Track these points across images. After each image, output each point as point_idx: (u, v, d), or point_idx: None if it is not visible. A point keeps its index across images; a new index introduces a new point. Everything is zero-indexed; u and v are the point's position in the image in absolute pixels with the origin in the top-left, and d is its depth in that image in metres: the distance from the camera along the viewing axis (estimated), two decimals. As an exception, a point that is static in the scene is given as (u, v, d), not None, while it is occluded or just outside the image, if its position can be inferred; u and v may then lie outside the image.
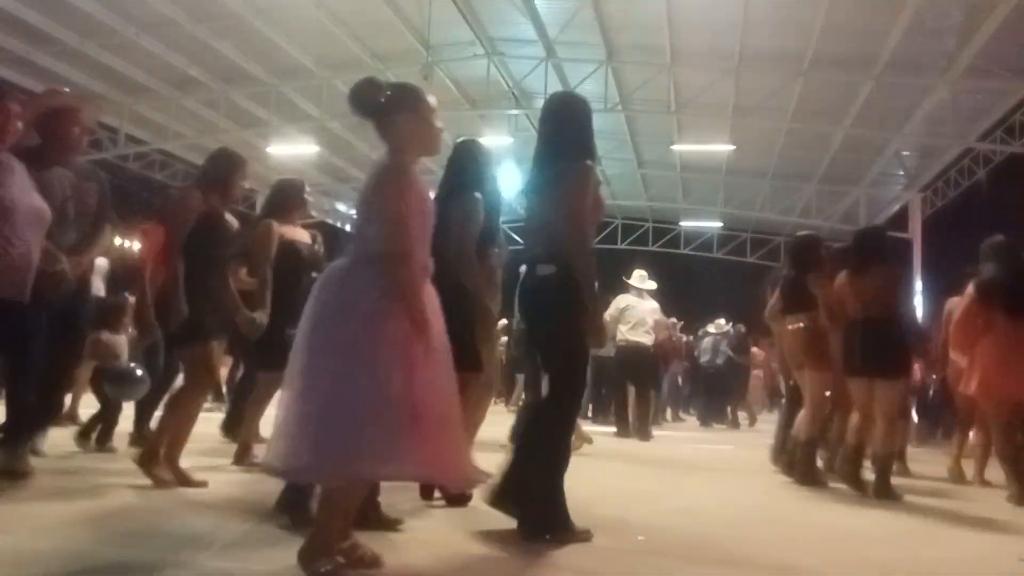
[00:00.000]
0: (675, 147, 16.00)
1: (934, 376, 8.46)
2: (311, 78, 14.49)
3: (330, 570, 2.13)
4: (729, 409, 12.80)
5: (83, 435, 4.70)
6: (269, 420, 5.01)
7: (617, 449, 7.07)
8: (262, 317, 4.15)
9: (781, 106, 13.66)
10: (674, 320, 12.00)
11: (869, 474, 5.15)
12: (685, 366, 13.22)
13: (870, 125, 13.87)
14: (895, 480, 4.81)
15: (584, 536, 2.85)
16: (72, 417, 5.59)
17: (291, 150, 16.36)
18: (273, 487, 3.48)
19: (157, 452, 3.56)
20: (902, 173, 17.06)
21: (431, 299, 2.33)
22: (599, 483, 4.41)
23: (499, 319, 5.33)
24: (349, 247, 2.36)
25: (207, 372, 3.71)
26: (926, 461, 6.94)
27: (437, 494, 3.43)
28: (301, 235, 4.59)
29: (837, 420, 5.31)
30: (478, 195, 3.43)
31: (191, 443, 3.70)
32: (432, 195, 2.83)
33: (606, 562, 2.69)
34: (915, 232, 16.97)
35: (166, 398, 5.32)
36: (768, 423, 13.32)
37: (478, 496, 3.04)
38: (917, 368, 6.97)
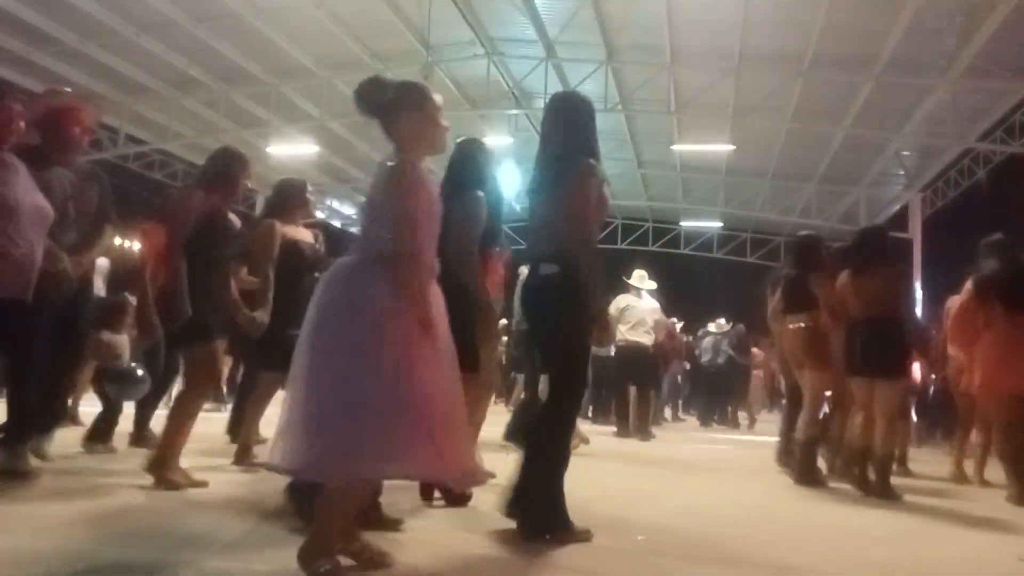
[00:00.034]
0: (675, 147, 16.01)
1: (933, 376, 8.47)
2: (311, 78, 14.50)
3: (329, 570, 2.13)
4: (729, 409, 12.80)
5: (91, 439, 4.67)
6: (270, 420, 5.02)
7: (617, 449, 7.07)
8: (263, 316, 4.16)
9: (781, 106, 13.67)
10: (674, 320, 12.00)
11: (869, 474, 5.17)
12: (685, 366, 13.22)
13: (870, 125, 13.87)
14: (895, 480, 4.81)
15: (584, 536, 2.85)
16: (72, 417, 5.59)
17: (291, 150, 16.37)
18: (273, 487, 3.48)
19: (165, 456, 3.55)
20: (902, 173, 17.06)
21: (436, 299, 2.33)
22: (599, 483, 4.41)
23: (499, 319, 5.33)
24: (355, 246, 2.36)
25: (209, 372, 3.70)
26: (926, 461, 6.94)
27: (437, 494, 3.43)
28: (304, 235, 4.59)
29: (837, 420, 5.32)
30: (480, 194, 3.43)
31: (191, 443, 3.70)
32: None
33: (606, 562, 2.69)
34: (915, 232, 16.96)
35: (167, 400, 5.35)
36: (768, 423, 13.34)
37: (491, 505, 3.03)
38: (918, 368, 6.97)
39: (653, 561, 2.77)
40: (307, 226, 4.73)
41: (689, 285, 19.22)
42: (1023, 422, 4.71)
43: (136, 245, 5.33)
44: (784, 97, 13.37)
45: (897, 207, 18.26)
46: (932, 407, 9.03)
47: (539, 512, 2.83)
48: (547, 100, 3.27)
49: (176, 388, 4.92)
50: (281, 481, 2.76)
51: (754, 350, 13.08)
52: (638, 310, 8.37)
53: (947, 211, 16.80)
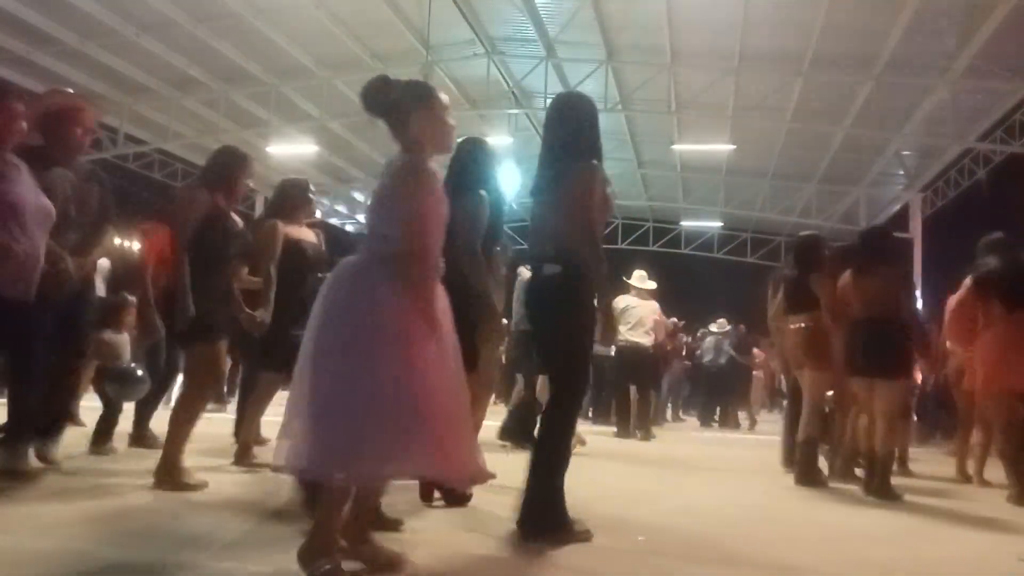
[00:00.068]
0: (675, 147, 16.01)
1: (932, 376, 8.47)
2: (311, 78, 14.50)
3: (329, 570, 2.12)
4: (729, 409, 12.80)
5: (96, 442, 4.66)
6: (271, 420, 5.01)
7: (617, 449, 7.07)
8: (264, 316, 4.16)
9: (781, 106, 13.68)
10: (675, 320, 12.00)
11: (861, 472, 5.17)
12: (686, 365, 13.22)
13: (870, 125, 13.87)
14: (895, 480, 4.81)
15: (584, 536, 2.85)
16: (72, 417, 5.58)
17: (291, 150, 16.38)
18: (273, 487, 3.49)
19: (173, 461, 3.53)
20: (902, 173, 17.07)
21: (441, 299, 2.33)
22: (599, 483, 4.41)
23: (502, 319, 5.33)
24: (362, 244, 2.36)
25: (211, 372, 3.68)
26: (926, 461, 6.94)
27: (437, 495, 3.43)
28: (307, 235, 4.58)
29: (837, 420, 5.32)
30: (483, 193, 3.43)
31: (191, 443, 3.69)
32: None
33: (606, 562, 2.69)
34: (915, 232, 16.98)
35: (167, 400, 5.35)
36: (768, 423, 13.34)
37: (491, 505, 3.03)
38: (918, 368, 6.97)
39: (653, 561, 2.77)
40: (308, 225, 4.73)
41: (689, 285, 19.22)
42: (1023, 421, 4.72)
43: (136, 245, 5.33)
44: (784, 97, 13.38)
45: (897, 207, 18.26)
46: (931, 407, 9.03)
47: (539, 512, 2.83)
48: (548, 100, 3.28)
49: (177, 388, 4.93)
50: (282, 481, 2.76)
51: (755, 350, 13.08)
52: (638, 310, 8.37)
53: (947, 211, 16.81)
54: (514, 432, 6.38)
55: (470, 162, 3.56)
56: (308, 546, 2.15)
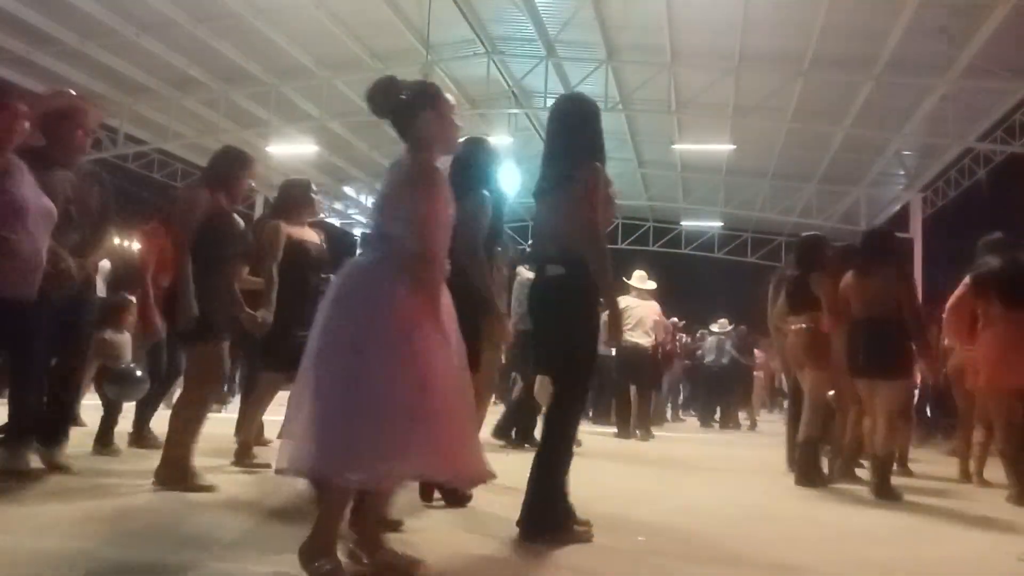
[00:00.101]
0: (675, 147, 16.01)
1: (932, 377, 8.46)
2: (311, 78, 14.50)
3: (330, 570, 2.12)
4: (730, 410, 12.79)
5: (106, 443, 4.66)
6: (271, 421, 5.01)
7: (617, 449, 7.07)
8: (266, 316, 4.15)
9: (781, 106, 13.67)
10: (675, 320, 11.99)
11: (861, 473, 5.17)
12: (686, 364, 13.22)
13: (870, 125, 13.87)
14: (895, 480, 4.81)
15: (584, 535, 2.85)
16: (75, 419, 5.58)
17: (291, 150, 16.39)
18: (273, 487, 3.49)
19: (185, 465, 3.53)
20: (902, 173, 17.07)
21: (446, 299, 2.33)
22: (599, 483, 4.41)
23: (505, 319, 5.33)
24: (370, 245, 2.35)
25: (213, 373, 3.67)
26: (926, 461, 6.94)
27: (437, 495, 3.43)
28: (310, 235, 4.58)
29: (838, 420, 5.32)
30: (486, 193, 3.43)
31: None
32: None
33: (606, 562, 2.69)
34: (915, 232, 16.97)
35: (168, 401, 5.34)
36: (768, 423, 13.35)
37: (492, 505, 3.03)
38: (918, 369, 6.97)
39: (653, 561, 2.77)
40: (310, 225, 4.73)
41: (690, 285, 19.22)
42: (1023, 420, 4.71)
43: (136, 245, 5.33)
44: (784, 97, 13.37)
45: (897, 207, 18.26)
46: (931, 406, 9.03)
47: (539, 512, 2.83)
48: (548, 100, 3.29)
49: (178, 389, 4.92)
50: (282, 481, 2.76)
51: (755, 351, 13.07)
52: (638, 311, 8.37)
53: (947, 211, 16.81)
54: (507, 431, 6.39)
55: (471, 162, 3.56)
56: (309, 545, 2.15)
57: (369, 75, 14.04)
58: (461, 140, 3.68)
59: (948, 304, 5.16)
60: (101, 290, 5.39)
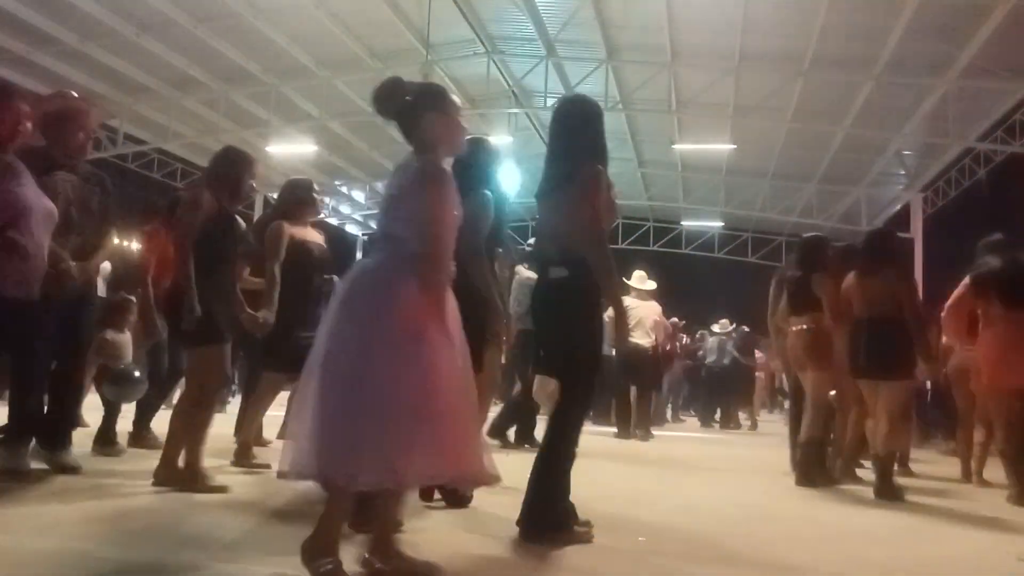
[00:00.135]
0: (675, 146, 16.02)
1: (932, 378, 8.46)
2: (311, 78, 14.50)
3: (331, 570, 2.12)
4: (731, 410, 12.79)
5: (108, 443, 4.66)
6: (273, 421, 5.01)
7: (617, 449, 7.07)
8: (267, 316, 4.14)
9: (781, 106, 13.67)
10: (675, 320, 11.99)
11: (862, 473, 5.17)
12: (687, 364, 13.22)
13: (870, 125, 13.87)
14: (896, 480, 4.81)
15: (585, 536, 2.85)
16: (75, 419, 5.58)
17: (291, 150, 16.39)
18: (274, 488, 3.49)
19: (196, 466, 3.52)
20: (903, 173, 17.07)
21: (451, 300, 2.34)
22: (599, 483, 4.41)
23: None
24: (378, 246, 2.35)
25: (215, 375, 3.65)
26: (926, 461, 6.95)
27: (437, 495, 3.43)
28: (312, 235, 4.58)
29: (838, 420, 5.32)
30: (488, 193, 3.43)
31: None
32: None
33: (606, 562, 2.69)
34: (915, 232, 16.96)
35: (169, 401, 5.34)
36: (768, 423, 13.35)
37: (492, 506, 3.03)
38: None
39: (653, 561, 2.77)
40: (312, 225, 4.73)
41: (690, 285, 19.22)
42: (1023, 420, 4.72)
43: (136, 245, 5.33)
44: (784, 97, 13.38)
45: (898, 207, 18.26)
46: (931, 406, 9.02)
47: (540, 512, 2.83)
48: (548, 100, 3.29)
49: (179, 390, 4.92)
50: (281, 482, 2.75)
51: (756, 352, 13.07)
52: (638, 311, 8.36)
53: (948, 211, 16.81)
54: (502, 431, 6.39)
55: (472, 162, 3.55)
56: (311, 544, 2.14)
57: (369, 75, 14.14)
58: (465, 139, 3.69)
59: (947, 304, 5.17)
60: (101, 290, 5.40)
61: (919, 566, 3.00)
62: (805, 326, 5.11)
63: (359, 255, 22.94)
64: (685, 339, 13.34)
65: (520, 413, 6.61)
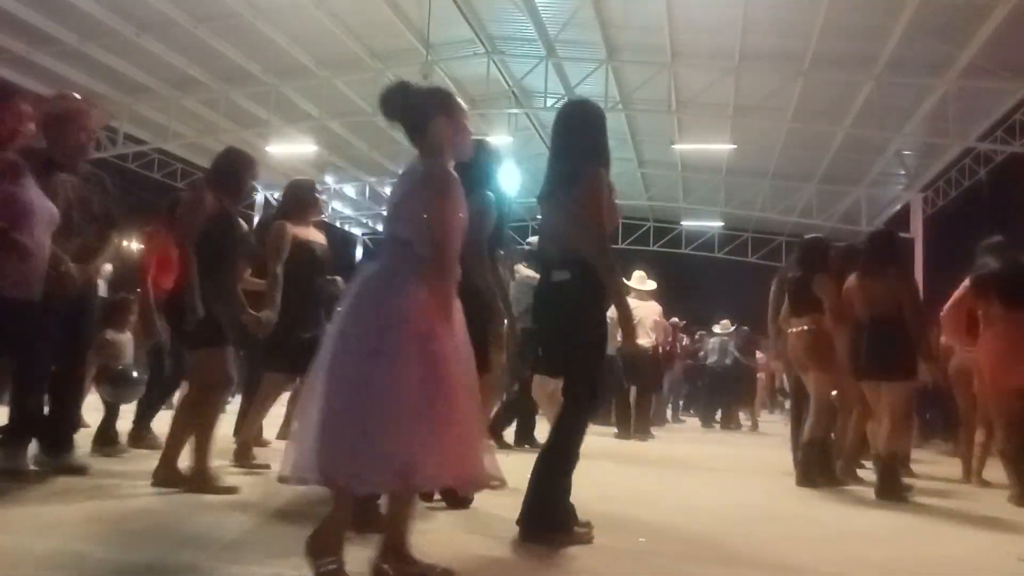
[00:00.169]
0: (675, 146, 16.01)
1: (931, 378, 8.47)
2: (311, 78, 14.49)
3: (333, 570, 2.11)
4: (732, 410, 12.79)
5: (108, 443, 4.65)
6: (273, 421, 5.01)
7: (617, 449, 7.07)
8: (270, 316, 4.14)
9: (781, 106, 13.66)
10: (676, 320, 11.99)
11: (862, 473, 5.16)
12: (687, 364, 13.22)
13: (870, 125, 13.86)
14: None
15: (585, 536, 2.85)
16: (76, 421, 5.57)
17: (291, 150, 16.38)
18: (274, 488, 3.49)
19: (204, 468, 3.52)
20: (903, 173, 17.06)
21: (456, 304, 2.34)
22: (599, 483, 4.41)
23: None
24: (385, 250, 2.34)
25: (217, 377, 3.63)
26: (927, 461, 6.95)
27: (437, 496, 3.43)
28: (315, 235, 4.58)
29: (839, 420, 5.32)
30: (490, 194, 3.43)
31: (190, 442, 3.68)
32: None
33: (606, 562, 2.69)
34: (916, 232, 16.95)
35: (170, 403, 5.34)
36: (768, 423, 13.35)
37: (492, 507, 3.03)
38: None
39: (653, 561, 2.77)
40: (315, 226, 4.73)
41: (690, 285, 19.21)
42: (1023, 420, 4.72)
43: (135, 245, 5.33)
44: (784, 97, 13.37)
45: (898, 207, 18.25)
46: (931, 406, 9.02)
47: (540, 512, 2.83)
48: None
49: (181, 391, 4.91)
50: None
51: (757, 352, 13.07)
52: (638, 312, 8.35)
53: (948, 211, 16.80)
54: (498, 431, 6.39)
55: (473, 163, 3.55)
56: (314, 542, 2.13)
57: (369, 75, 14.15)
58: None
59: (947, 305, 5.18)
60: (102, 290, 5.41)
61: (919, 566, 3.01)
62: (806, 327, 5.11)
63: (359, 255, 22.96)
64: (685, 340, 13.34)
65: (517, 413, 6.61)
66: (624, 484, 4.87)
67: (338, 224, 22.17)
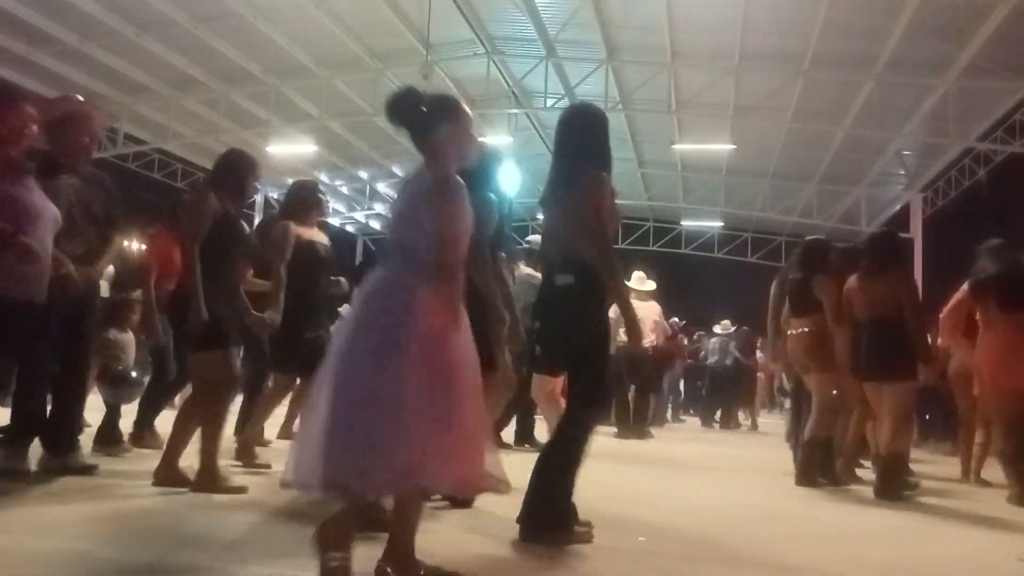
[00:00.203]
0: (675, 146, 16.01)
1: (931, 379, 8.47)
2: (311, 78, 14.49)
3: (336, 567, 2.11)
4: (732, 410, 12.79)
5: (111, 443, 4.65)
6: (273, 421, 5.01)
7: (617, 449, 7.07)
8: (274, 316, 4.14)
9: (781, 106, 13.66)
10: (676, 320, 11.98)
11: (862, 473, 5.16)
12: (688, 363, 13.22)
13: (870, 125, 13.86)
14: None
15: (585, 536, 2.85)
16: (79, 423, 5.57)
17: (291, 150, 16.38)
18: (274, 487, 3.49)
19: (212, 469, 3.52)
20: (903, 173, 17.05)
21: (462, 308, 2.34)
22: (599, 483, 4.40)
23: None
24: (391, 257, 2.34)
25: (220, 379, 3.62)
26: (926, 461, 6.95)
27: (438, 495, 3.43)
28: (319, 236, 4.59)
29: (839, 421, 5.32)
30: (491, 196, 3.43)
31: (193, 444, 3.68)
32: None
33: (606, 562, 2.69)
34: (915, 232, 16.94)
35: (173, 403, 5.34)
36: (768, 423, 13.34)
37: (493, 507, 3.02)
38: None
39: (653, 561, 2.78)
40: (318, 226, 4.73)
41: (690, 285, 19.20)
42: (1023, 421, 4.72)
43: (136, 245, 5.34)
44: (784, 97, 13.37)
45: (898, 207, 18.25)
46: (930, 407, 9.03)
47: (540, 512, 2.83)
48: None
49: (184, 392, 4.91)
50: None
51: (757, 352, 13.08)
52: (638, 311, 8.34)
53: (948, 211, 16.80)
54: (496, 431, 6.38)
55: (475, 165, 3.55)
56: (322, 535, 2.11)
57: (369, 75, 14.15)
58: None
59: (947, 307, 5.19)
60: (104, 291, 5.41)
61: (919, 566, 3.01)
62: (806, 328, 5.11)
63: (359, 255, 22.96)
64: (684, 340, 13.34)
65: (515, 413, 6.60)
66: (624, 484, 4.87)
67: (337, 224, 22.16)
